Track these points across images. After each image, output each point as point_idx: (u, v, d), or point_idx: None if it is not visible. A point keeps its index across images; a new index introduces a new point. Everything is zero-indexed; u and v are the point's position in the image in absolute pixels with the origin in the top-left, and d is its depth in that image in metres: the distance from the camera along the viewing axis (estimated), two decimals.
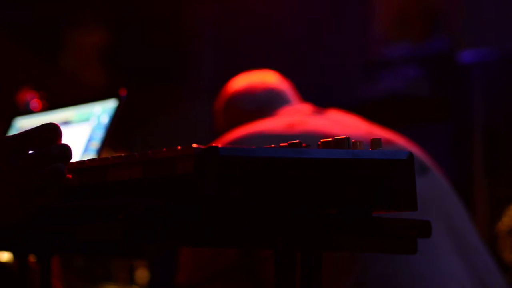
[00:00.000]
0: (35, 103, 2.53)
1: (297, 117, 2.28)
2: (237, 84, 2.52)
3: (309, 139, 1.27)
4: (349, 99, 4.66)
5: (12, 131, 1.97)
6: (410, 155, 1.21)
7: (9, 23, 5.38)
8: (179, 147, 1.11)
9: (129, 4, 5.59)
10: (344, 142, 1.19)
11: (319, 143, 1.20)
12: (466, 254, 2.08)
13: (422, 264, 1.99)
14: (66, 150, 1.20)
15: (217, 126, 2.54)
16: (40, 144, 1.19)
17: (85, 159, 1.27)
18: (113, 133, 1.71)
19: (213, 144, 1.18)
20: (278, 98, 2.43)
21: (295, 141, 1.18)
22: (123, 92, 1.73)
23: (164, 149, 1.13)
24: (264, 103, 2.42)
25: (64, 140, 1.22)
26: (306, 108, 2.39)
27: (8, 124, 1.99)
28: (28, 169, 1.17)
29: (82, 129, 1.76)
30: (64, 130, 1.72)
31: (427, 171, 2.15)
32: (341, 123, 2.25)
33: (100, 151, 1.69)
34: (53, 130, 1.21)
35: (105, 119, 1.73)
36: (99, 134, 1.71)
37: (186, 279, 2.18)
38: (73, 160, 1.23)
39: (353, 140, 1.20)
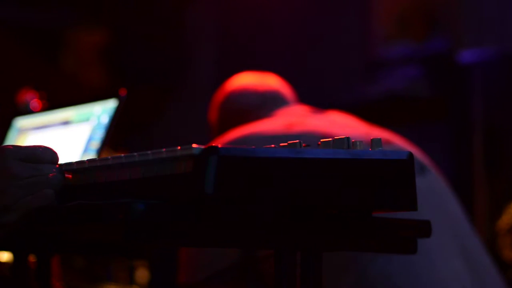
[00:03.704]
0: (35, 103, 2.53)
1: (295, 118, 2.28)
2: (239, 81, 2.52)
3: (308, 139, 1.27)
4: (349, 99, 4.65)
5: (12, 131, 1.97)
6: (410, 155, 1.21)
7: (10, 23, 5.37)
8: (179, 147, 1.11)
9: (129, 4, 5.58)
10: (344, 142, 1.19)
11: (319, 143, 1.20)
12: (466, 254, 2.09)
13: (423, 264, 2.00)
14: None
15: (210, 120, 2.54)
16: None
17: (85, 159, 1.27)
18: (113, 133, 1.71)
19: (212, 144, 1.18)
20: (278, 99, 2.44)
21: (294, 141, 1.18)
22: (123, 92, 1.73)
23: (164, 149, 1.13)
24: (265, 101, 2.42)
25: (64, 140, 1.24)
26: (304, 109, 2.40)
27: (8, 124, 1.99)
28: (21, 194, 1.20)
29: (82, 129, 1.76)
30: (64, 130, 1.73)
31: (425, 171, 2.15)
32: (340, 124, 2.26)
33: (100, 151, 1.69)
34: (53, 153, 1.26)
35: (105, 119, 1.73)
36: (99, 134, 1.71)
37: (187, 279, 2.18)
38: (73, 160, 1.24)
39: (353, 140, 1.20)
